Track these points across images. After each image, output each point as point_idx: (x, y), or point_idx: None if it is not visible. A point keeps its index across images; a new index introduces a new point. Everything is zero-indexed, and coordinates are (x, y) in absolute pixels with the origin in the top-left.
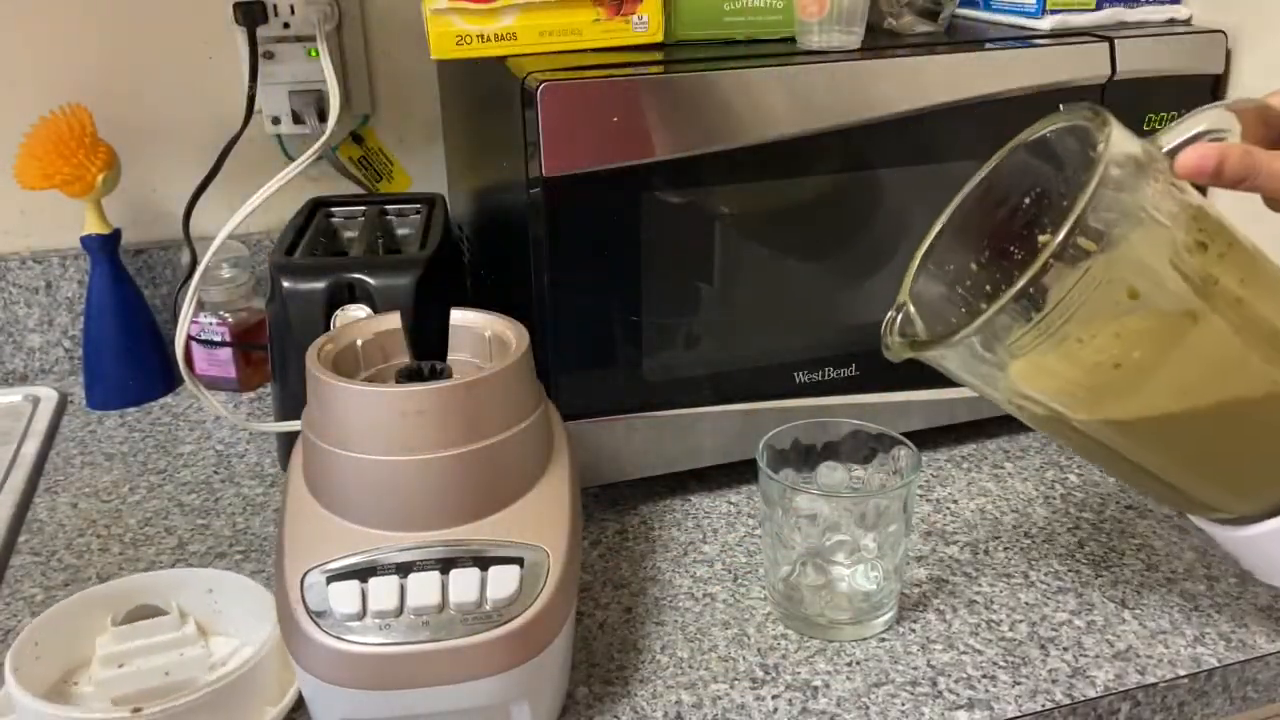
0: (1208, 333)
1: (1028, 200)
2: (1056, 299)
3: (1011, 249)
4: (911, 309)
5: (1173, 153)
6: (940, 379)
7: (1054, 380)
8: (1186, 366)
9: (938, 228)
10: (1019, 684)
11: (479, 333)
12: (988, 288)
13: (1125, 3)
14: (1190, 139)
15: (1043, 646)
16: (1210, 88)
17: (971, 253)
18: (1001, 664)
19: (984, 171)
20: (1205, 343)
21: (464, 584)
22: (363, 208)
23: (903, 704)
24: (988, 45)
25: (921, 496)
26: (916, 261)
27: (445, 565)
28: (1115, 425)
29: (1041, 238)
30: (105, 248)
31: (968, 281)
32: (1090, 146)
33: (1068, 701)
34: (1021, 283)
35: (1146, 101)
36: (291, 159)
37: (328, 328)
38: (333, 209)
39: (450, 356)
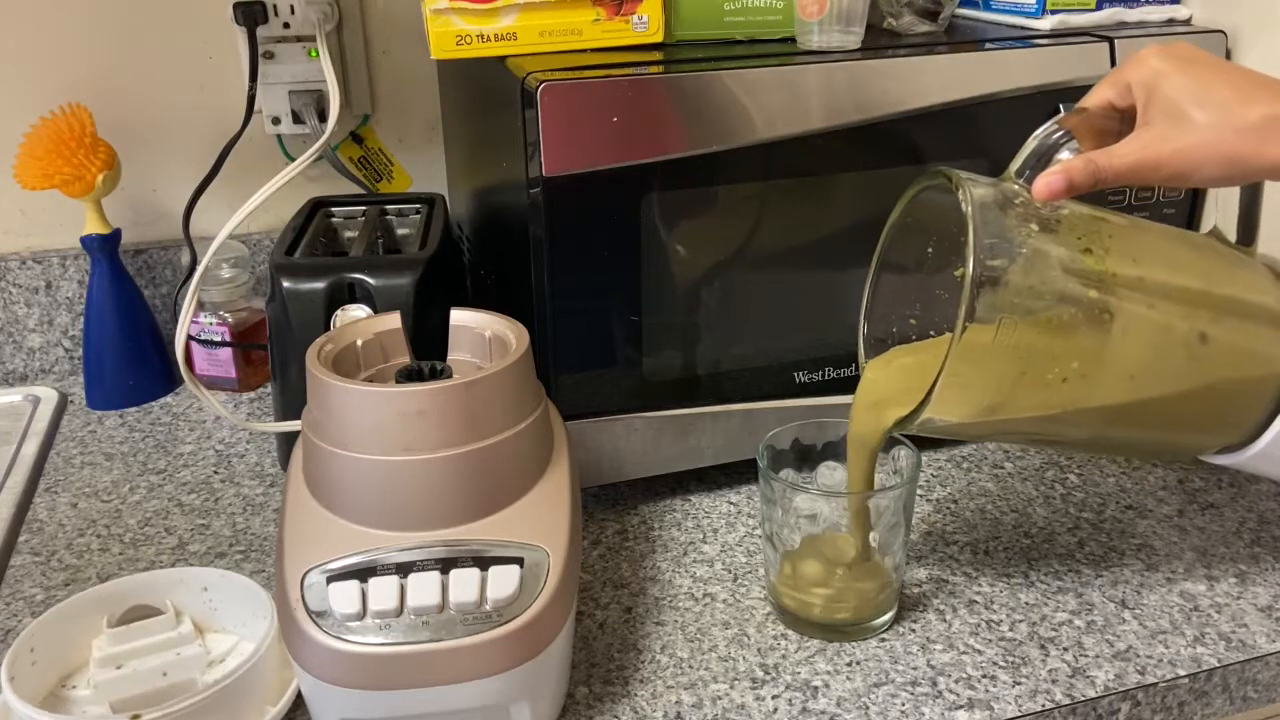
0: (1128, 320)
1: (930, 249)
2: (985, 349)
3: (938, 292)
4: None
5: (1028, 181)
6: None
7: (1020, 407)
8: (1124, 356)
9: (864, 308)
10: (1019, 684)
11: (479, 333)
12: (932, 331)
13: (1125, 3)
14: (1035, 163)
15: (1043, 646)
16: None
17: (907, 309)
18: (1001, 664)
19: (877, 254)
20: (1130, 329)
21: (464, 584)
22: (363, 208)
23: (903, 704)
24: (988, 45)
25: (921, 496)
26: (861, 338)
27: (445, 565)
28: (1088, 424)
29: (958, 272)
30: (105, 248)
31: (913, 336)
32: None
33: (1068, 701)
34: (946, 360)
35: None
36: (291, 159)
37: (328, 328)
38: (333, 209)
39: (450, 356)
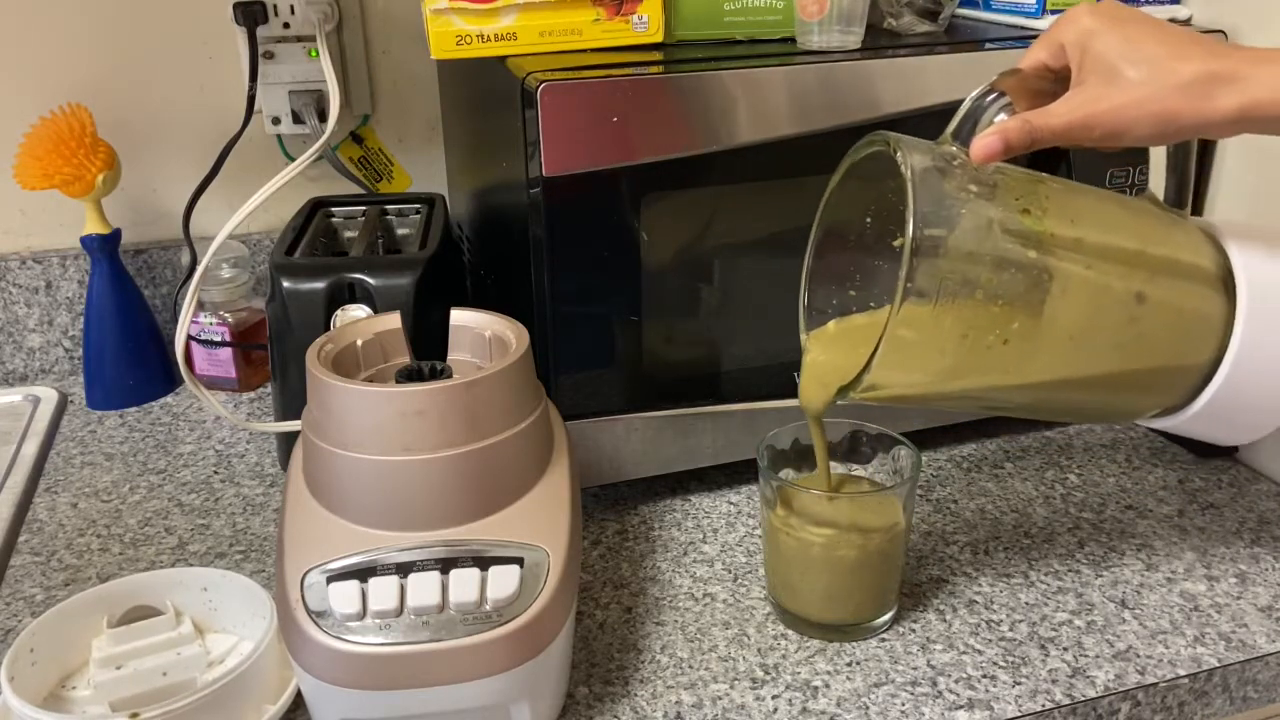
0: (1066, 280)
1: (869, 220)
2: (926, 314)
3: (877, 263)
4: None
5: (964, 141)
6: None
7: (963, 371)
8: (1063, 317)
9: (804, 277)
10: (1019, 684)
11: (479, 333)
12: (872, 304)
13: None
14: (971, 125)
15: (1043, 646)
16: None
17: (846, 283)
18: (1001, 664)
19: (817, 220)
20: (1068, 290)
21: (464, 584)
22: (363, 208)
23: (903, 704)
24: (988, 45)
25: (921, 496)
26: (801, 310)
27: (445, 565)
28: (1031, 385)
29: (897, 243)
30: (105, 248)
31: (854, 308)
32: (893, 168)
33: (1068, 701)
34: (887, 326)
35: None
36: (291, 159)
37: (328, 328)
38: (333, 209)
39: (450, 356)
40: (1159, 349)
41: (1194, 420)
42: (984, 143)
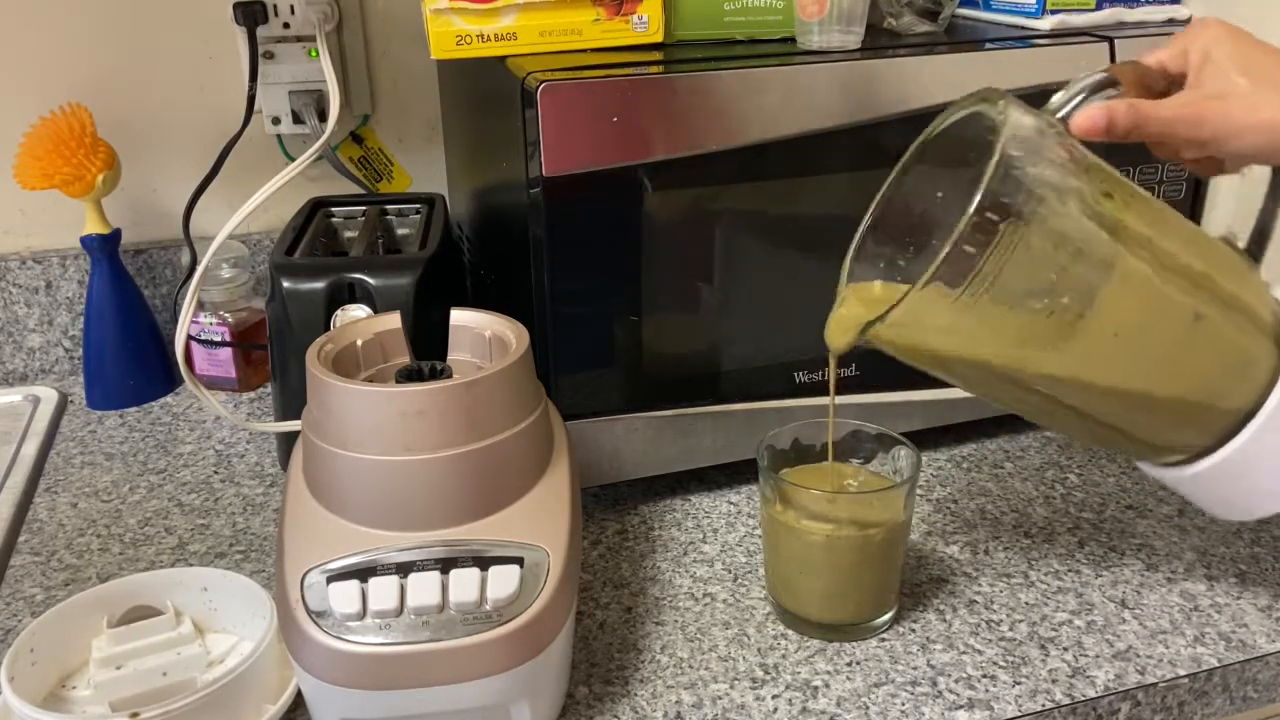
0: (1127, 272)
1: (940, 195)
2: (984, 260)
3: (935, 242)
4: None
5: (1065, 118)
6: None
7: (1002, 337)
8: (1113, 307)
9: (862, 229)
10: (1019, 684)
11: (479, 333)
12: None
13: (1125, 3)
14: (1079, 102)
15: (1043, 646)
16: None
17: (899, 249)
18: (1001, 664)
19: (895, 173)
20: (1126, 281)
21: (464, 584)
22: (363, 208)
23: (903, 704)
24: (988, 45)
25: (921, 496)
26: (849, 260)
27: (445, 565)
28: (1057, 373)
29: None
30: (105, 248)
31: (898, 279)
32: (991, 130)
33: (1068, 701)
34: (948, 247)
35: None
36: (291, 159)
37: (328, 328)
38: (333, 209)
39: (450, 356)
40: (1200, 378)
41: (1204, 476)
42: (1089, 114)
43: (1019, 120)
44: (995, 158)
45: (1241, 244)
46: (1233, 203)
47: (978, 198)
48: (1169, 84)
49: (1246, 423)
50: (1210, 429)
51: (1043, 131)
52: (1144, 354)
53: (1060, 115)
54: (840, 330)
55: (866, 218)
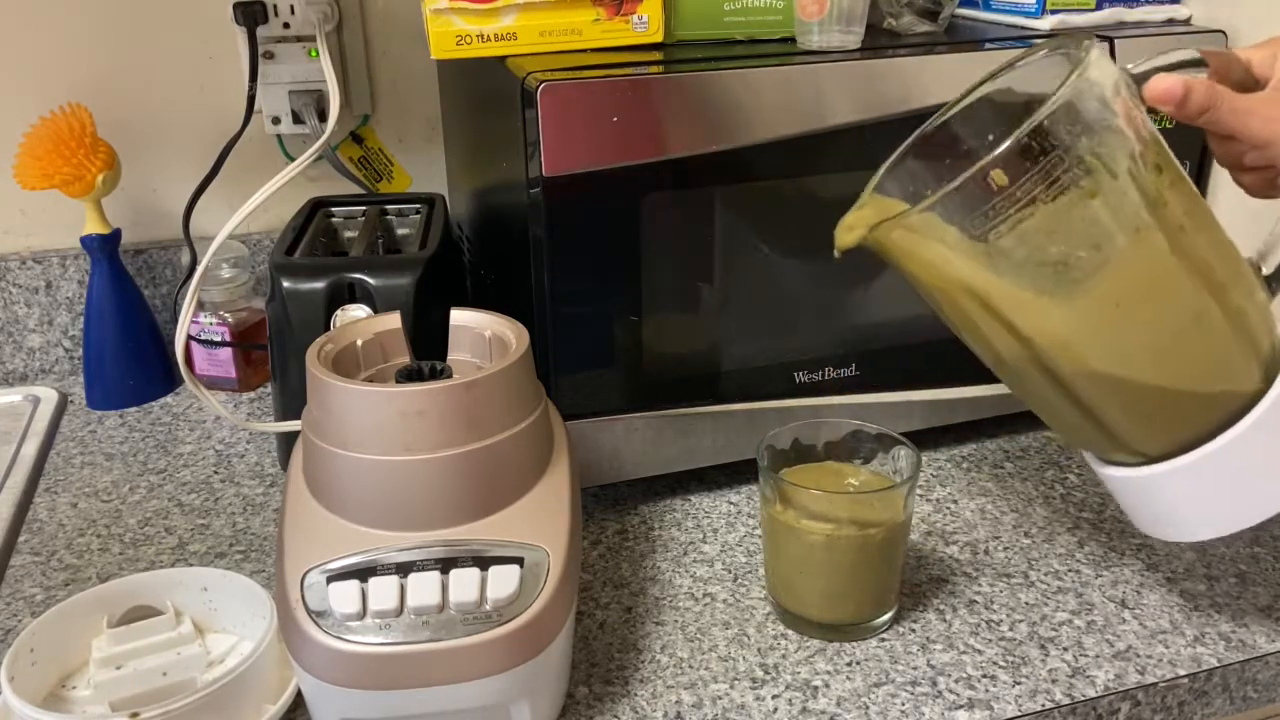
0: (1150, 247)
1: (990, 137)
2: (1027, 178)
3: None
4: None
5: (1141, 80)
6: (941, 380)
7: (1005, 276)
8: (1125, 276)
9: (906, 145)
10: (1019, 684)
11: (479, 333)
12: None
13: (1125, 3)
14: (1159, 69)
15: (1043, 646)
16: None
17: (932, 178)
18: (1001, 664)
19: (957, 100)
20: (1146, 256)
21: (464, 584)
22: (363, 208)
23: (903, 704)
24: (988, 45)
25: (921, 496)
26: (882, 171)
27: (445, 565)
28: (1050, 333)
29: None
30: (105, 248)
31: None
32: (1067, 74)
33: (1068, 701)
34: (1000, 149)
35: None
36: (291, 159)
37: (328, 328)
38: (333, 209)
39: (450, 356)
40: (1181, 377)
41: (1148, 483)
42: (1165, 83)
43: (1101, 63)
44: (1067, 87)
45: (1267, 270)
46: (1237, 214)
47: (1037, 116)
48: (1254, 84)
49: (1206, 442)
50: (1170, 437)
51: (1118, 84)
52: (1137, 334)
53: (1137, 75)
54: (850, 226)
55: (914, 135)
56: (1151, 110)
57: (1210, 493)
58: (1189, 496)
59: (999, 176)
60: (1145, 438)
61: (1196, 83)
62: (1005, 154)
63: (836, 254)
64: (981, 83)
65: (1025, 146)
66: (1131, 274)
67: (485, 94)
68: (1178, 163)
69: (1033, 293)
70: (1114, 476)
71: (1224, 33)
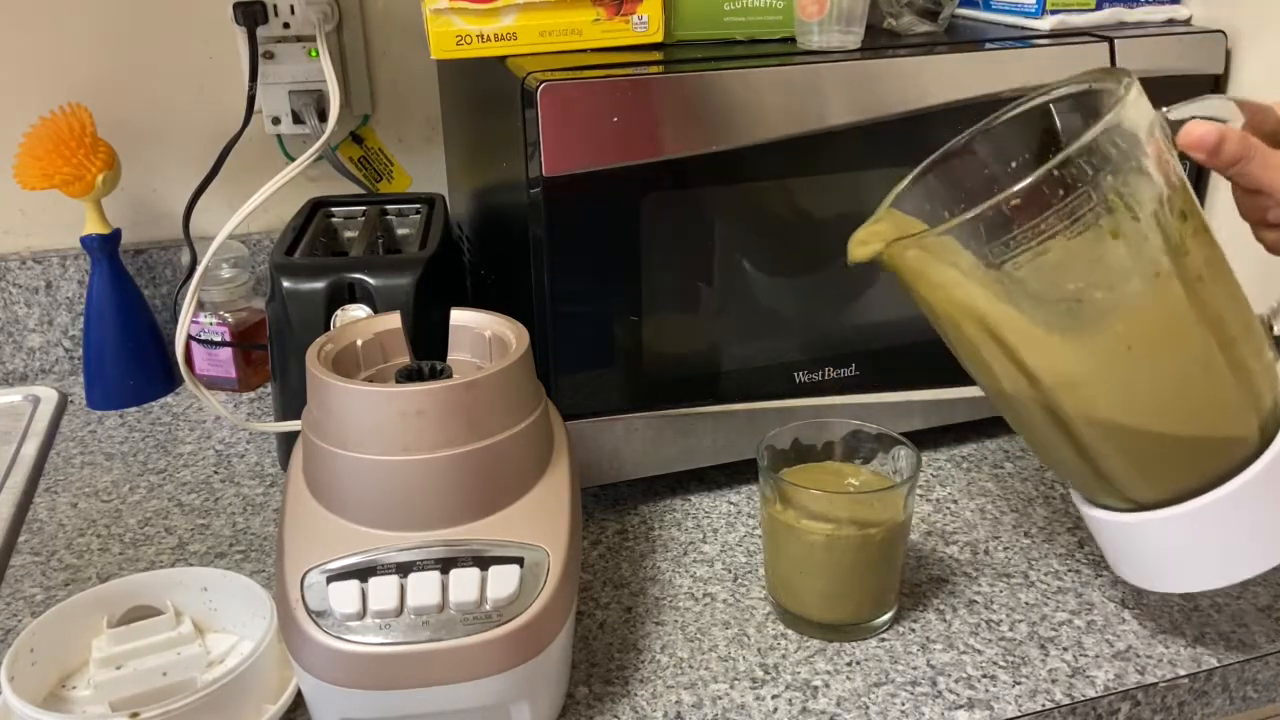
0: (1167, 293)
1: (1014, 165)
2: (1051, 212)
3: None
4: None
5: (1175, 126)
6: (941, 380)
7: (1017, 307)
8: (1139, 320)
9: (929, 161)
10: (1019, 684)
11: (479, 333)
12: None
13: (1125, 3)
14: (1192, 116)
15: (1043, 646)
16: (1210, 88)
17: (952, 200)
18: (1001, 664)
19: (989, 120)
20: (1162, 302)
21: (464, 584)
22: (363, 208)
23: (903, 704)
24: (988, 45)
25: (921, 496)
26: (902, 185)
27: (445, 565)
28: (1055, 370)
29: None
30: (105, 248)
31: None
32: (1094, 115)
33: (1068, 701)
34: (1028, 181)
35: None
36: (291, 159)
37: (328, 328)
38: (333, 209)
39: (450, 356)
40: (1182, 425)
41: (1132, 530)
42: (1200, 129)
43: (1139, 103)
44: (1103, 123)
45: (1278, 329)
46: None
47: (1069, 151)
48: None
49: (1196, 494)
50: (1163, 486)
51: (1154, 125)
52: (1145, 379)
53: (1173, 120)
54: (863, 241)
55: (938, 152)
56: (1182, 156)
57: (1198, 546)
58: (1175, 547)
59: (1022, 207)
60: (1138, 484)
61: (1231, 132)
62: (1032, 186)
63: (849, 265)
64: (1014, 105)
65: (1052, 179)
66: (1146, 318)
67: (485, 94)
68: (1202, 211)
69: (1044, 329)
70: (1100, 519)
71: (1224, 33)
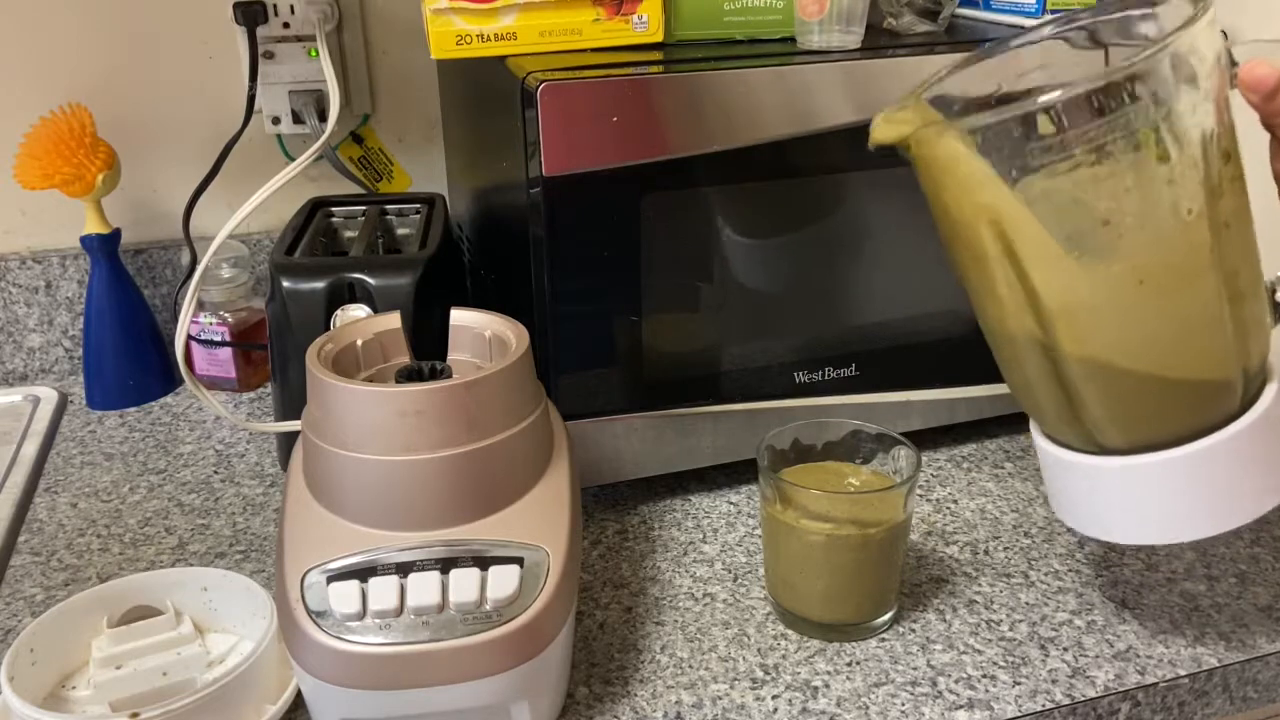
0: (1192, 234)
1: (1059, 78)
2: (1101, 122)
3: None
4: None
5: (1234, 62)
6: (941, 380)
7: (1040, 213)
8: (1158, 255)
9: (971, 56)
10: (1019, 684)
11: (479, 333)
12: None
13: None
14: (1252, 52)
15: (1043, 646)
16: None
17: (982, 106)
18: (1001, 664)
19: (1042, 28)
20: (1186, 241)
21: (464, 584)
22: (363, 208)
23: (903, 704)
24: (987, 45)
25: (921, 496)
26: (940, 75)
27: (445, 565)
28: (1057, 292)
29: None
30: (105, 248)
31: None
32: (1170, 29)
33: (1068, 701)
34: (1093, 83)
35: None
36: (291, 159)
37: (328, 328)
38: (333, 209)
39: (450, 356)
40: (1176, 372)
41: (1098, 473)
42: (1262, 69)
43: (1211, 30)
44: (1174, 39)
45: None
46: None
47: (1137, 60)
48: None
49: (1161, 450)
50: (1137, 433)
51: (1220, 56)
52: (1148, 319)
53: (1235, 58)
54: (891, 122)
55: (980, 49)
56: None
57: (1151, 499)
58: (1130, 496)
59: (1074, 113)
60: (1108, 428)
61: None
62: (1091, 90)
63: (870, 146)
64: (1064, 19)
65: (1112, 88)
66: (1166, 255)
67: (485, 94)
68: (1242, 162)
69: (1063, 246)
70: (1060, 457)
71: (1224, 33)
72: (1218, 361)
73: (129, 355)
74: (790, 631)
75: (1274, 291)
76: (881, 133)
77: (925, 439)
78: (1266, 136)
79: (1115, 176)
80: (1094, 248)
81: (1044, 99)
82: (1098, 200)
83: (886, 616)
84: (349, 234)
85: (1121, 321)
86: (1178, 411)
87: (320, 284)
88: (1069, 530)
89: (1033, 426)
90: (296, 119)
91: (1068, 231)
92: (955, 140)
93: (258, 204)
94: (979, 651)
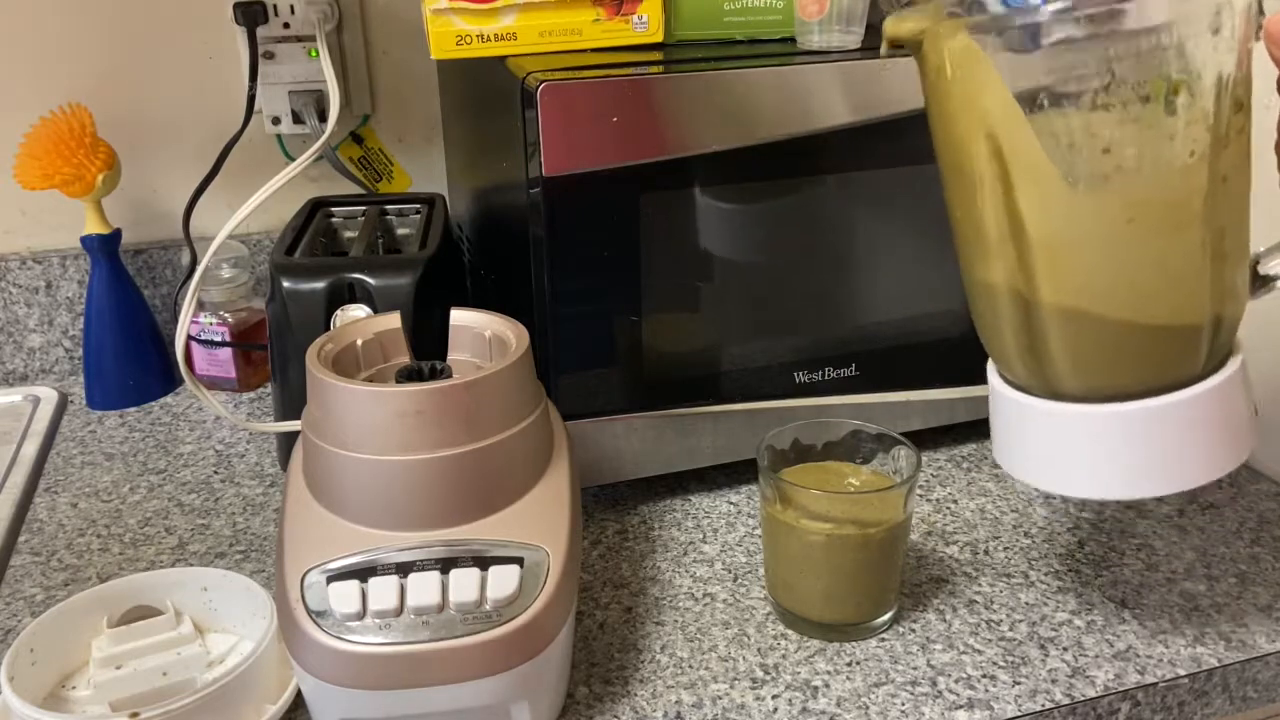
0: (1190, 179)
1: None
2: (1122, 41)
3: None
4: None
5: (1263, 13)
6: (941, 380)
7: (1039, 134)
8: (1151, 195)
9: None
10: (1019, 684)
11: (479, 333)
12: None
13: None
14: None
15: (1043, 646)
16: None
17: (1000, 26)
18: (1001, 664)
19: None
20: (1184, 185)
21: (464, 584)
22: (363, 208)
23: (903, 704)
24: None
25: (921, 496)
26: None
27: (445, 565)
28: (1043, 220)
29: None
30: (105, 248)
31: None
32: None
33: (1068, 701)
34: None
35: None
36: (291, 159)
37: (328, 328)
38: (333, 209)
39: (450, 356)
40: (1148, 318)
41: (1049, 416)
42: None
43: None
44: None
45: (1262, 269)
46: None
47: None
48: None
49: (1124, 400)
50: (1097, 382)
51: (1251, 4)
52: (1129, 261)
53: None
54: (905, 19)
55: None
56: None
57: (1105, 450)
58: (1085, 444)
59: (1097, 27)
60: (1068, 375)
61: None
62: (1100, 11)
63: (882, 50)
64: None
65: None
66: (1161, 196)
67: (485, 94)
68: (1251, 120)
69: (1058, 171)
70: (1017, 400)
71: None
72: (1190, 318)
73: (129, 355)
74: (790, 631)
75: (1257, 263)
76: (896, 28)
77: (925, 439)
78: (1273, 120)
79: (1124, 105)
80: (1089, 175)
81: (1064, 3)
82: (1102, 125)
83: (886, 616)
84: (349, 234)
85: (1103, 261)
86: (1142, 365)
87: (320, 284)
88: (1069, 530)
89: (990, 369)
90: (296, 119)
91: (1066, 155)
92: (968, 37)
93: (258, 204)
94: (979, 651)
